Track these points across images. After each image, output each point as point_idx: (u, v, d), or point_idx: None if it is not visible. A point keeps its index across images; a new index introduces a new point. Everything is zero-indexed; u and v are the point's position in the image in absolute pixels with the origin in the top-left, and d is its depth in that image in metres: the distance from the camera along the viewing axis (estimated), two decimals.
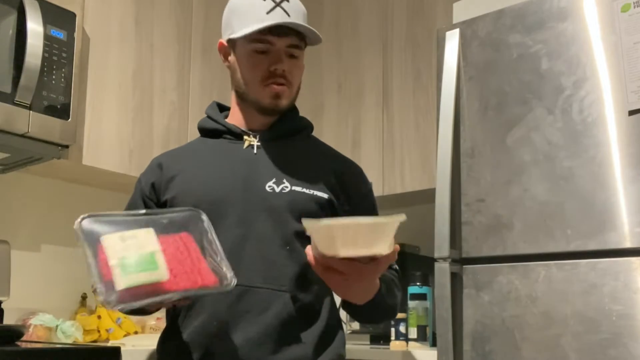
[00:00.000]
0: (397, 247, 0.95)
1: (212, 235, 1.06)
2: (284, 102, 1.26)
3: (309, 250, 0.94)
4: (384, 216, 0.91)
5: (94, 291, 0.94)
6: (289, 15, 1.21)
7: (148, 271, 0.95)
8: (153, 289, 0.94)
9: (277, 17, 1.20)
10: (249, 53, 1.24)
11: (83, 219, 0.97)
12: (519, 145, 1.48)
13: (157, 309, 1.01)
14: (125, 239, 0.98)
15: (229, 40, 1.28)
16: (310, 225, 0.90)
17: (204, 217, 1.08)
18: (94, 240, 0.96)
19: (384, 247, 0.91)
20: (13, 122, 1.68)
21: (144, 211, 1.07)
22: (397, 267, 1.31)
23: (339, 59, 2.49)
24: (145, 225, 1.02)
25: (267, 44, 1.22)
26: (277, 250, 1.16)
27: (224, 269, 1.02)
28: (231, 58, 1.29)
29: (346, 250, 0.90)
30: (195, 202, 1.20)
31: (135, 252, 0.96)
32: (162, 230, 1.02)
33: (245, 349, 1.11)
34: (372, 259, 0.94)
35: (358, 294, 1.06)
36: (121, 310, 0.91)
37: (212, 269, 1.01)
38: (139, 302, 0.91)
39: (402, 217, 0.90)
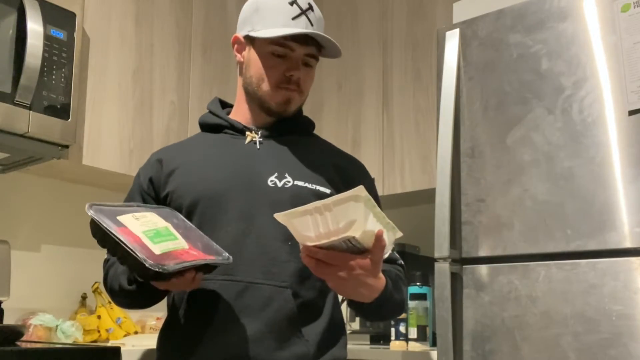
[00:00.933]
0: (380, 231, 0.95)
1: (190, 224, 1.14)
2: (292, 108, 1.28)
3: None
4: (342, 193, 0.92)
5: (131, 266, 0.99)
6: (312, 25, 1.22)
7: (171, 240, 1.03)
8: (182, 254, 1.01)
9: (302, 25, 1.21)
10: (267, 54, 1.24)
11: (91, 206, 1.03)
12: (519, 145, 1.48)
13: (187, 279, 1.04)
14: (138, 218, 1.05)
15: (247, 37, 1.27)
16: (279, 217, 0.94)
17: (173, 210, 1.16)
18: (113, 220, 1.02)
19: (355, 229, 0.91)
20: (13, 122, 1.68)
21: (135, 203, 1.17)
22: (402, 263, 1.31)
23: (339, 58, 2.48)
24: (145, 210, 1.10)
25: (288, 49, 1.23)
26: (279, 246, 1.16)
27: (215, 247, 1.09)
28: (245, 54, 1.28)
29: (318, 238, 0.90)
30: (196, 196, 1.20)
31: (153, 226, 1.04)
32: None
33: (246, 345, 1.11)
34: (362, 251, 0.96)
35: (362, 292, 1.04)
36: (164, 271, 0.95)
37: (205, 250, 1.07)
38: (179, 265, 0.97)
39: (360, 191, 0.90)
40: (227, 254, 1.07)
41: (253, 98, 1.28)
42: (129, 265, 1.02)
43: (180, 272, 1.00)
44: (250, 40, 1.26)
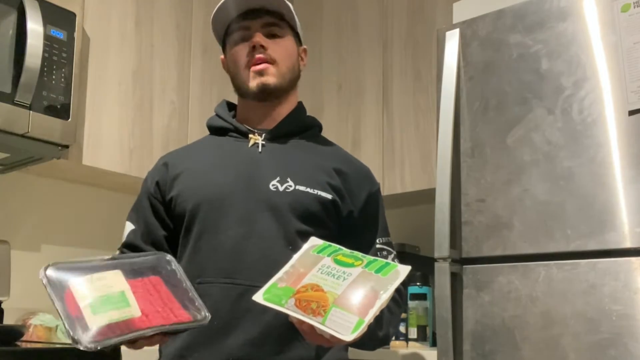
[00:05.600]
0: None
1: (181, 274, 1.05)
2: (270, 80, 1.25)
3: (307, 331, 0.94)
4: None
5: (69, 338, 0.92)
6: None
7: (119, 309, 0.94)
8: (126, 325, 0.93)
9: (242, 4, 1.26)
10: (232, 47, 1.29)
11: (47, 268, 0.96)
12: (519, 145, 1.48)
13: (138, 347, 0.99)
14: (93, 281, 0.97)
15: (223, 49, 1.34)
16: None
17: (169, 257, 1.08)
18: (62, 287, 0.95)
19: (386, 302, 0.92)
20: (13, 122, 1.68)
21: (109, 256, 1.06)
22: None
23: (339, 59, 2.49)
24: (113, 268, 1.01)
25: (243, 30, 1.27)
26: (280, 250, 1.16)
27: (197, 304, 1.02)
28: (226, 61, 1.34)
29: (363, 330, 0.89)
30: (198, 200, 1.20)
31: (105, 292, 0.95)
32: (130, 274, 1.01)
33: (247, 349, 1.11)
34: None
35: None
36: (94, 349, 0.89)
37: (184, 308, 1.00)
38: (112, 340, 0.90)
39: (401, 277, 0.94)
40: (206, 314, 1.01)
41: (241, 92, 1.30)
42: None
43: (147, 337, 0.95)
44: (224, 46, 1.34)
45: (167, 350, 1.21)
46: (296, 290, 0.93)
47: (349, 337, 0.85)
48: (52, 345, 1.60)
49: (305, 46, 1.38)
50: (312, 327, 0.90)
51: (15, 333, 1.55)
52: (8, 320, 1.91)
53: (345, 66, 2.46)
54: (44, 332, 1.85)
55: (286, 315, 0.95)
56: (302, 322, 0.91)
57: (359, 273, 0.94)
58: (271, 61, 1.25)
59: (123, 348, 1.54)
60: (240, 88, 1.29)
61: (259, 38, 1.25)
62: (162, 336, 0.98)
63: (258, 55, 1.24)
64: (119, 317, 0.93)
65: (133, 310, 0.95)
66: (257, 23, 1.26)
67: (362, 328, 0.86)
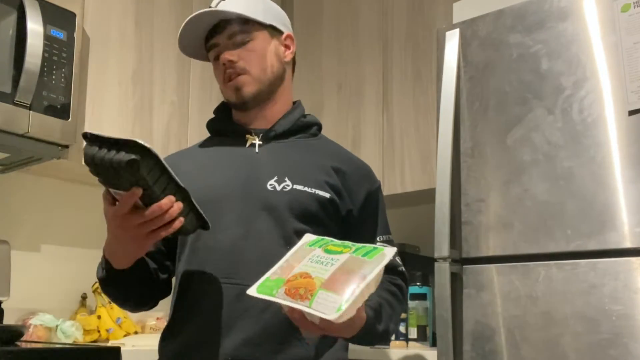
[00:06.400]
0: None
1: None
2: (247, 90, 1.26)
3: (298, 318, 0.95)
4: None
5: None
6: (210, 8, 1.26)
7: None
8: None
9: (197, 26, 1.27)
10: (213, 65, 1.32)
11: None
12: (519, 145, 1.48)
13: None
14: None
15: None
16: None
17: None
18: None
19: (374, 287, 0.95)
20: (13, 122, 1.68)
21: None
22: (404, 270, 1.29)
23: (339, 59, 2.49)
24: None
25: (214, 48, 1.28)
26: (278, 249, 1.15)
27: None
28: None
29: (349, 314, 0.91)
30: (196, 201, 1.20)
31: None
32: None
33: (246, 349, 1.11)
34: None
35: (344, 331, 1.03)
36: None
37: None
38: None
39: (388, 257, 0.96)
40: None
41: (230, 104, 1.32)
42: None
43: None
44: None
45: (165, 350, 1.21)
46: (286, 280, 0.95)
47: (333, 315, 0.87)
48: (52, 345, 1.60)
49: (288, 32, 1.33)
50: (302, 313, 0.92)
51: (15, 333, 1.55)
52: (8, 320, 1.91)
53: (345, 66, 2.46)
54: (44, 332, 1.85)
55: (285, 316, 0.95)
56: (293, 311, 0.92)
57: (347, 258, 0.96)
58: (242, 72, 1.25)
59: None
60: (227, 102, 1.32)
61: (226, 55, 1.24)
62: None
63: (228, 71, 1.25)
64: None
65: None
66: (223, 36, 1.26)
67: (347, 308, 0.87)
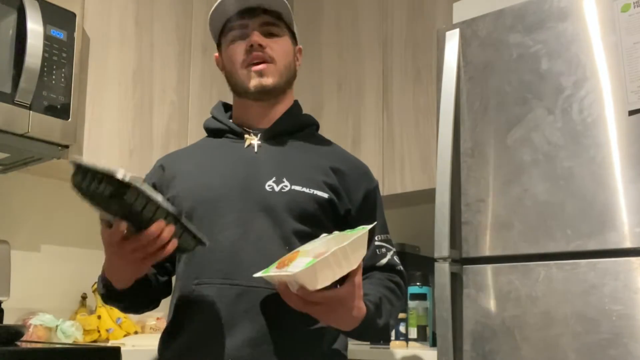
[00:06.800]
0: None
1: None
2: (269, 80, 1.26)
3: (284, 290, 0.99)
4: (347, 233, 1.00)
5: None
6: None
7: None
8: None
9: (241, 2, 1.27)
10: (230, 44, 1.29)
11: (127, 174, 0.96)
12: (519, 145, 1.48)
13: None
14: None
15: (218, 47, 1.35)
16: (281, 277, 0.98)
17: None
18: None
19: (355, 262, 0.99)
20: (13, 122, 1.68)
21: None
22: (402, 269, 1.29)
23: (339, 59, 2.49)
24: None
25: (241, 28, 1.27)
26: (277, 250, 1.16)
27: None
28: (221, 59, 1.34)
29: (324, 279, 0.95)
30: (194, 202, 1.20)
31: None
32: None
33: (246, 349, 1.11)
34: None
35: (342, 321, 1.06)
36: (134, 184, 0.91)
37: None
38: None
39: (367, 228, 1.01)
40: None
41: (238, 91, 1.30)
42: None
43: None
44: (220, 48, 1.34)
45: (165, 351, 1.21)
46: (281, 260, 1.03)
47: (297, 269, 0.92)
48: (52, 345, 1.60)
49: (300, 46, 1.38)
50: (286, 285, 0.98)
51: (15, 333, 1.55)
52: (8, 320, 1.91)
53: (345, 66, 2.46)
54: (44, 332, 1.85)
55: (285, 317, 0.97)
56: (280, 284, 0.98)
57: (333, 235, 1.07)
58: (270, 60, 1.25)
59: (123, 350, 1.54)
60: (236, 86, 1.29)
61: (257, 37, 1.24)
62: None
63: (256, 54, 1.24)
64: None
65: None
66: (255, 22, 1.26)
67: (315, 264, 0.91)
